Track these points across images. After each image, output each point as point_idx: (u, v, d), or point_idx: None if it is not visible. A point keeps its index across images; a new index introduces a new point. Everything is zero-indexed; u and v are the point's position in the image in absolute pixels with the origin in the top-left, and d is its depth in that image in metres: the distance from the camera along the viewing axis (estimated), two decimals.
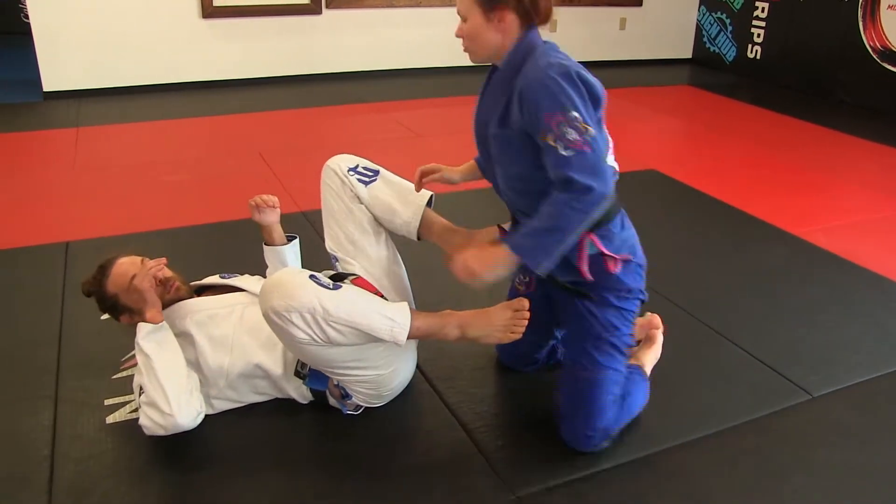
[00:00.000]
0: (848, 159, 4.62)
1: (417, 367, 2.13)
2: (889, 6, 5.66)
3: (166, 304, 1.96)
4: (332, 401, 1.95)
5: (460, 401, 2.07)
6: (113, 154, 4.24)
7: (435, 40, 6.29)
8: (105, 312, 2.04)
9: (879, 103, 5.77)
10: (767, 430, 2.02)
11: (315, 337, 1.65)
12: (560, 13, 6.76)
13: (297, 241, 2.38)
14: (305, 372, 1.91)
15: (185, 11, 5.47)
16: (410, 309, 1.77)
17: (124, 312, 1.97)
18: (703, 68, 7.33)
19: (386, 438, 1.92)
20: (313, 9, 5.81)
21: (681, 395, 2.16)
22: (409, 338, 1.74)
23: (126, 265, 1.96)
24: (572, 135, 1.56)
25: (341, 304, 1.66)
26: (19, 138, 4.50)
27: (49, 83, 5.32)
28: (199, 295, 2.07)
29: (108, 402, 2.03)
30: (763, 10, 6.67)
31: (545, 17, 1.70)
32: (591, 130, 1.57)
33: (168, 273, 2.00)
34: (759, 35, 6.77)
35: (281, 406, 2.01)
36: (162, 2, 5.38)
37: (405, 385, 2.01)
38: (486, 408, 2.06)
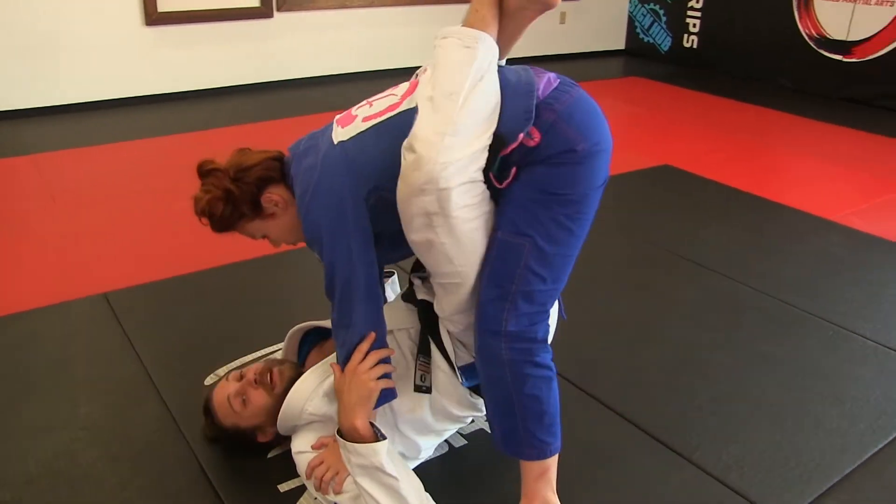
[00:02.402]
0: (826, 144, 4.79)
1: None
2: None
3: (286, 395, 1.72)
4: None
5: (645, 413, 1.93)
6: (93, 183, 3.76)
7: (391, 41, 6.06)
8: (246, 450, 1.83)
9: (820, 88, 6.05)
10: None
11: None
12: None
13: (394, 278, 2.15)
14: (427, 384, 1.67)
15: (127, 19, 4.95)
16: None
17: (255, 433, 1.79)
18: (638, 58, 7.46)
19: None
20: (264, 12, 5.42)
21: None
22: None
23: (220, 392, 1.80)
24: None
25: None
26: None
27: None
28: (303, 363, 1.87)
29: (283, 487, 1.74)
30: (698, 1, 6.85)
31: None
32: None
33: (258, 368, 1.78)
34: (694, 25, 6.95)
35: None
36: (100, 9, 4.84)
37: None
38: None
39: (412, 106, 1.47)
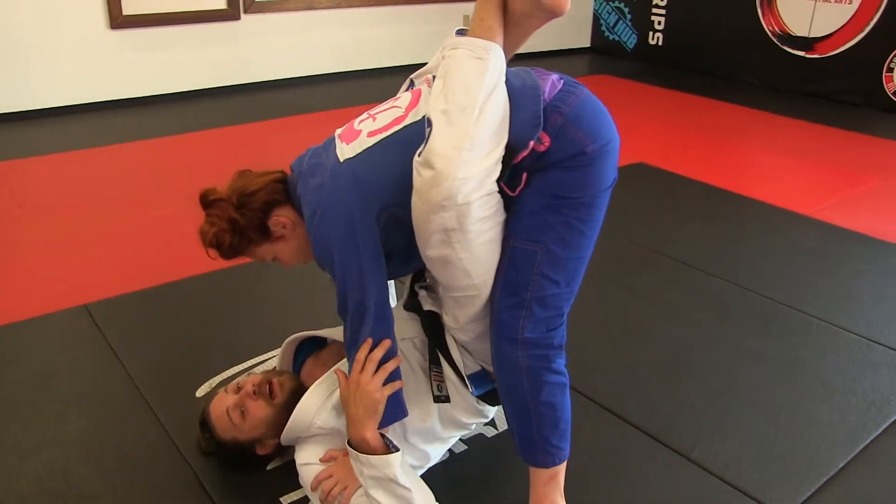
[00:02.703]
0: (793, 139, 4.88)
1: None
2: None
3: (290, 408, 1.69)
4: None
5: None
6: (63, 191, 3.66)
7: (359, 42, 6.03)
8: (244, 465, 1.80)
9: (784, 83, 6.17)
10: None
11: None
12: (469, 10, 6.66)
13: (391, 283, 2.13)
14: (444, 393, 1.67)
15: (91, 22, 4.83)
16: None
17: (254, 446, 1.75)
18: (604, 56, 7.51)
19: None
20: (232, 14, 5.34)
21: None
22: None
23: (217, 405, 1.75)
24: None
25: None
26: None
27: None
28: (302, 374, 1.84)
29: (284, 500, 1.73)
30: None
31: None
32: None
33: (256, 379, 1.75)
34: (659, 22, 7.02)
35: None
36: (62, 12, 4.71)
37: None
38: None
39: (418, 119, 1.46)
